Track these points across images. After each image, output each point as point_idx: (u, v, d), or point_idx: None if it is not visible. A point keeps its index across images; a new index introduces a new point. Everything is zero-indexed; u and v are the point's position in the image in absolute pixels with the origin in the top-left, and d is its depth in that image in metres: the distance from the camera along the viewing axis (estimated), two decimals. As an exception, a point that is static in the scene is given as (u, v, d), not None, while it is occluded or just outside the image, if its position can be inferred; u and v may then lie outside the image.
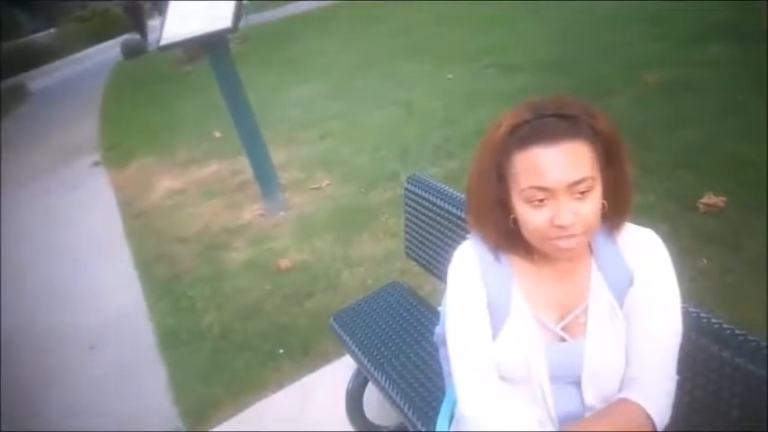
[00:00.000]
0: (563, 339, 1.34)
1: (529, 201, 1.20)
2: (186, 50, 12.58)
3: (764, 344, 1.28)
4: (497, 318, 1.34)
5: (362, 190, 4.86)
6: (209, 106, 8.56)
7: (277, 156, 5.47)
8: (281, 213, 4.87)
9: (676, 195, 3.53)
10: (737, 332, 1.34)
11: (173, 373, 3.34)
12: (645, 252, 1.32)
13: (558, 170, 1.16)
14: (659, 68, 5.42)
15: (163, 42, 4.41)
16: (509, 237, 1.30)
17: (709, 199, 3.33)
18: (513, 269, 1.35)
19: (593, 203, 1.19)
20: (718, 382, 1.35)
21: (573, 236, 1.19)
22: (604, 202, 1.22)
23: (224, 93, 4.62)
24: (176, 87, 11.01)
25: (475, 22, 9.34)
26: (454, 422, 1.58)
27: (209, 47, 4.51)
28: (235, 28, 4.21)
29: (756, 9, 5.64)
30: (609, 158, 1.21)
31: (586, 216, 1.18)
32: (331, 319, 2.55)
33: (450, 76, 7.17)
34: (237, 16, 4.21)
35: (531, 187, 1.18)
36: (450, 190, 2.35)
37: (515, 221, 1.26)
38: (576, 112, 1.19)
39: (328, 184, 5.17)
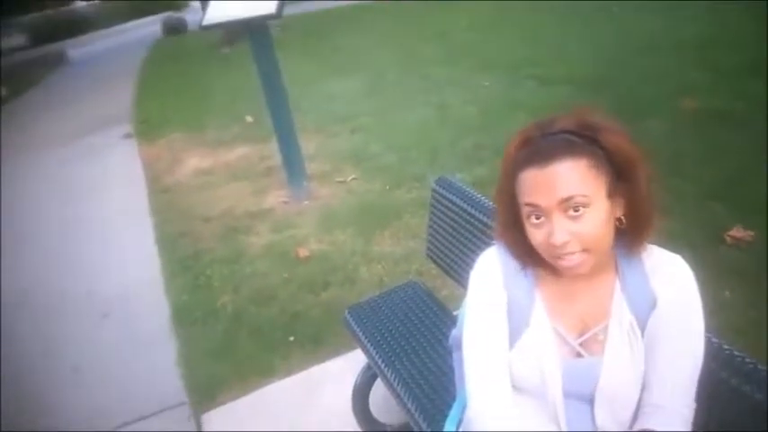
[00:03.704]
0: (580, 355, 1.33)
1: (528, 218, 1.23)
2: (226, 33, 12.69)
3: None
4: (517, 326, 1.34)
5: (387, 187, 4.86)
6: (242, 90, 8.65)
7: (306, 146, 5.50)
8: (305, 202, 4.89)
9: (704, 225, 3.48)
10: (760, 367, 1.32)
11: (183, 348, 3.36)
12: (671, 276, 1.31)
13: (548, 188, 1.17)
14: (698, 97, 5.35)
15: (205, 22, 4.44)
16: (530, 251, 1.30)
17: (738, 232, 3.29)
18: (537, 280, 1.35)
19: (591, 221, 1.18)
20: (737, 415, 1.33)
21: (572, 254, 1.20)
22: (622, 218, 1.23)
23: (261, 77, 4.65)
24: (212, 69, 11.10)
25: (516, 32, 9.30)
26: (462, 426, 1.57)
27: (251, 31, 4.54)
28: (278, 14, 4.23)
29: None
30: (621, 173, 1.21)
31: (582, 234, 1.18)
32: (346, 312, 2.54)
33: (486, 83, 7.14)
34: (281, 3, 4.24)
35: (526, 205, 1.21)
36: (478, 195, 2.34)
37: None
38: (577, 128, 1.20)
39: (354, 179, 5.17)
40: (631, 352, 1.30)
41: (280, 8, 4.22)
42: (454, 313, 2.45)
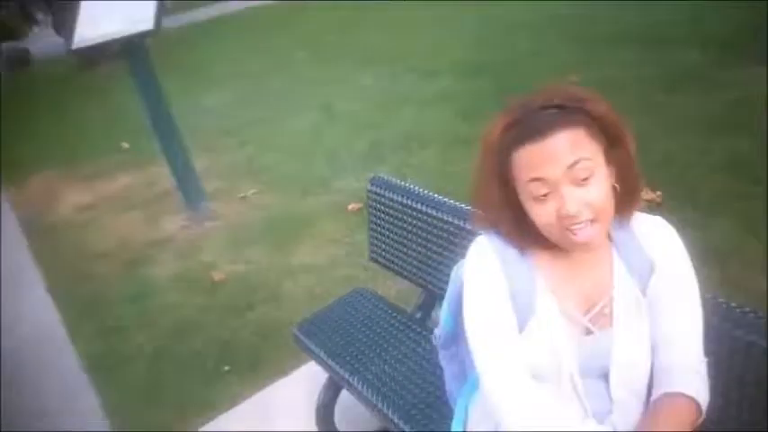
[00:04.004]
0: (590, 332, 1.29)
1: (533, 197, 1.18)
2: (80, 57, 11.92)
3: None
4: (523, 312, 1.29)
5: (293, 197, 4.70)
6: (110, 116, 8.16)
7: (196, 164, 5.22)
8: (207, 224, 4.64)
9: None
10: (759, 315, 1.35)
11: (107, 397, 3.06)
12: (662, 239, 1.32)
13: (552, 159, 1.14)
14: (578, 71, 5.59)
15: (77, 45, 4.09)
16: (526, 233, 1.27)
17: (647, 194, 3.42)
18: (537, 263, 1.30)
19: (598, 188, 1.16)
20: (743, 364, 1.34)
21: (586, 224, 1.16)
22: (616, 185, 1.20)
23: (143, 98, 4.36)
24: (74, 97, 10.33)
25: (383, 27, 9.35)
26: (474, 419, 1.49)
27: (128, 50, 4.23)
28: (157, 30, 3.98)
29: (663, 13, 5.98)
30: (611, 139, 1.20)
31: (593, 201, 1.15)
32: (294, 329, 2.40)
33: (367, 81, 7.12)
34: (159, 18, 3.99)
35: (530, 180, 1.17)
36: (416, 188, 2.29)
37: (532, 221, 1.23)
38: (565, 101, 1.18)
39: (255, 193, 4.97)
40: (639, 320, 1.29)
41: (157, 23, 3.97)
42: (408, 311, 2.38)
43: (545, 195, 1.16)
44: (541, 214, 1.18)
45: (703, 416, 1.24)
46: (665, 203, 3.34)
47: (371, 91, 6.74)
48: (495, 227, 1.31)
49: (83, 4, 4.22)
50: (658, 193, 3.42)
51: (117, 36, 4.12)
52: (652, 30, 6.20)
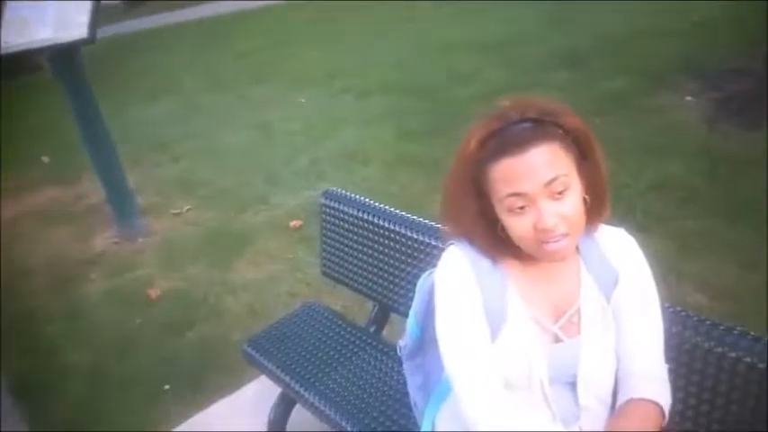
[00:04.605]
0: (559, 340, 1.33)
1: (510, 209, 1.21)
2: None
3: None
4: (495, 321, 1.32)
5: (231, 213, 4.63)
6: (26, 130, 7.78)
7: (128, 179, 5.06)
8: (140, 240, 4.49)
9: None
10: (716, 323, 1.41)
11: (36, 424, 2.89)
12: (625, 250, 1.38)
13: (530, 174, 1.17)
14: (510, 93, 5.75)
15: (4, 49, 3.91)
16: (499, 244, 1.30)
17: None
18: (507, 272, 1.33)
19: (572, 202, 1.20)
20: (715, 377, 1.41)
21: (560, 237, 1.20)
22: (586, 197, 1.24)
23: (75, 109, 4.17)
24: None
25: (316, 45, 9.34)
26: (443, 421, 1.51)
27: (60, 58, 4.06)
28: (92, 39, 3.85)
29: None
30: (582, 153, 1.24)
31: (568, 215, 1.19)
32: (245, 346, 2.36)
33: (302, 99, 7.10)
34: (94, 25, 3.85)
35: (508, 195, 1.19)
36: (370, 201, 2.30)
37: (503, 230, 1.26)
38: (540, 115, 1.21)
39: (190, 209, 4.86)
40: (605, 329, 1.34)
41: (93, 31, 3.84)
42: (362, 325, 2.39)
43: (522, 208, 1.19)
44: (518, 227, 1.21)
45: (666, 418, 1.29)
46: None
47: (308, 110, 6.73)
48: (467, 237, 1.33)
49: (8, 5, 4.05)
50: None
51: (47, 44, 3.95)
52: (580, 55, 6.46)
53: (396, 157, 4.95)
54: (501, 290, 1.31)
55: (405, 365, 1.64)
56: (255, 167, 5.38)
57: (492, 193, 1.22)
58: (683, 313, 1.46)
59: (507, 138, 1.19)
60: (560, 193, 1.17)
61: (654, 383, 1.31)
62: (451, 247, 1.37)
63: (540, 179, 1.16)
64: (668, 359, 1.35)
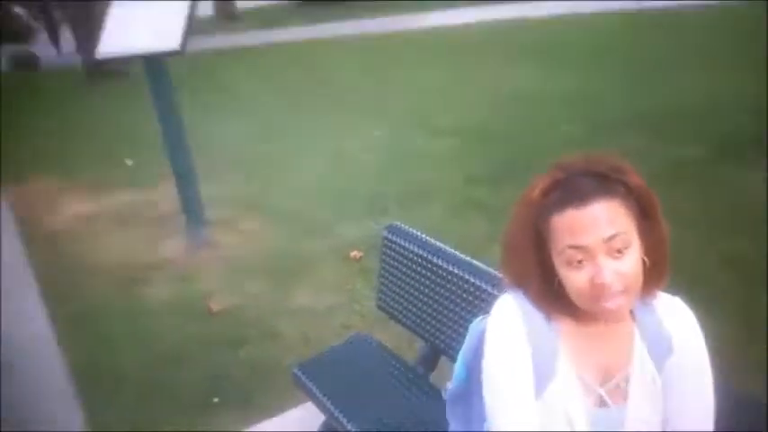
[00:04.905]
0: (604, 404, 1.31)
1: (568, 262, 1.20)
2: (89, 72, 12.03)
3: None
4: (541, 377, 1.30)
5: (295, 237, 4.74)
6: (115, 132, 8.21)
7: (202, 192, 5.25)
8: (206, 252, 4.64)
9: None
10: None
11: (90, 416, 3.01)
12: (681, 321, 1.35)
13: (592, 228, 1.17)
14: (580, 150, 5.71)
15: (102, 54, 4.15)
16: (554, 299, 1.29)
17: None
18: (560, 328, 1.33)
19: (632, 260, 1.19)
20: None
21: (616, 295, 1.19)
22: (645, 259, 1.23)
23: (159, 116, 4.40)
24: (79, 108, 10.37)
25: (395, 82, 9.53)
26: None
27: (150, 68, 4.29)
28: (182, 51, 4.04)
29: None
30: (644, 213, 1.23)
31: (627, 273, 1.18)
32: (295, 370, 2.41)
33: (377, 132, 7.24)
34: (185, 38, 4.05)
35: (568, 247, 1.19)
36: (433, 240, 2.33)
37: (560, 284, 1.25)
38: (606, 170, 1.21)
39: (257, 228, 4.99)
40: (653, 399, 1.31)
41: (183, 44, 4.03)
42: (410, 364, 2.40)
43: (580, 262, 1.18)
44: (575, 280, 1.20)
45: None
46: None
47: (381, 143, 6.85)
48: (523, 288, 1.33)
49: (109, 15, 4.32)
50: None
51: (141, 52, 4.19)
52: (656, 118, 6.38)
53: (461, 199, 4.98)
54: (551, 346, 1.30)
55: (448, 409, 1.64)
56: (324, 194, 5.50)
57: (552, 244, 1.22)
58: (736, 391, 1.42)
59: (571, 189, 1.20)
60: (620, 251, 1.17)
61: None
62: (505, 296, 1.37)
63: (601, 234, 1.16)
64: None
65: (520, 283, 1.34)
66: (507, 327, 1.33)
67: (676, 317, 1.34)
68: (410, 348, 3.00)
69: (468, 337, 1.53)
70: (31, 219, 5.66)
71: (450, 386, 1.60)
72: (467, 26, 13.31)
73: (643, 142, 5.76)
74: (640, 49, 9.52)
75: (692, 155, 5.43)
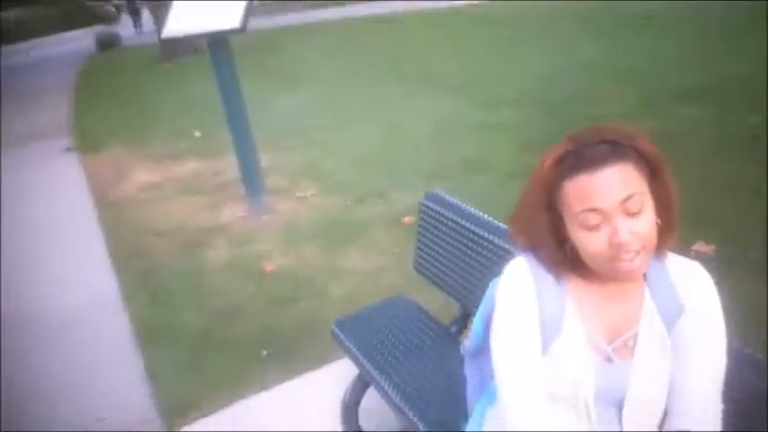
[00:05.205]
0: (611, 360, 1.35)
1: (584, 226, 1.23)
2: (166, 49, 12.47)
3: None
4: (549, 333, 1.34)
5: (349, 203, 4.86)
6: (187, 105, 8.50)
7: (261, 161, 5.43)
8: (264, 217, 4.82)
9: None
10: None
11: (150, 365, 3.23)
12: (696, 283, 1.36)
13: (607, 191, 1.20)
14: (637, 119, 5.60)
15: (165, 34, 4.35)
16: (565, 261, 1.33)
17: (701, 246, 3.42)
18: (569, 288, 1.37)
19: (646, 220, 1.22)
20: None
21: (633, 255, 1.22)
22: (658, 220, 1.26)
23: (221, 90, 4.59)
24: (153, 84, 10.86)
25: (454, 52, 9.47)
26: (489, 427, 1.57)
27: (213, 45, 4.47)
28: (243, 28, 4.19)
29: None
30: (654, 175, 1.26)
31: (642, 232, 1.21)
32: (333, 325, 2.52)
33: (434, 102, 7.25)
34: (246, 17, 4.20)
35: (584, 211, 1.22)
36: (470, 208, 2.38)
37: (573, 249, 1.29)
38: (616, 137, 1.24)
39: (314, 195, 5.14)
40: (661, 358, 1.33)
41: (244, 22, 4.18)
42: (446, 324, 2.48)
43: (597, 225, 1.22)
44: (591, 243, 1.23)
45: None
46: (716, 260, 3.34)
47: (438, 113, 6.87)
48: (534, 250, 1.37)
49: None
50: (712, 246, 3.43)
51: (204, 31, 4.37)
52: (714, 90, 6.16)
53: (515, 167, 4.97)
54: (559, 305, 1.35)
55: (466, 364, 1.70)
56: (380, 162, 5.59)
57: (565, 210, 1.26)
58: (749, 355, 1.43)
59: (583, 156, 1.23)
60: (635, 212, 1.20)
61: (701, 421, 1.29)
62: (517, 258, 1.42)
63: (616, 196, 1.19)
64: (728, 399, 1.32)
65: (532, 247, 1.38)
66: (516, 285, 1.39)
67: (691, 279, 1.36)
68: (452, 311, 3.08)
69: (485, 299, 1.58)
70: (104, 185, 5.98)
71: (468, 342, 1.67)
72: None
73: (700, 113, 5.59)
74: (697, 19, 9.15)
75: (753, 122, 5.24)
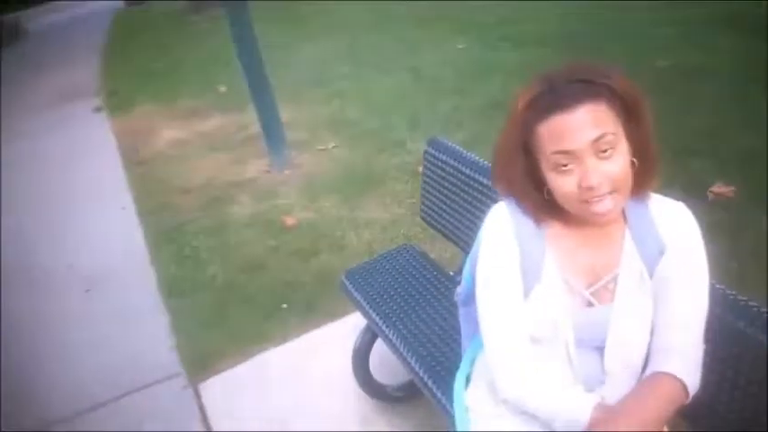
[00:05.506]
0: (591, 304, 1.36)
1: (556, 168, 1.23)
2: (192, 2, 12.42)
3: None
4: (529, 279, 1.36)
5: (369, 154, 4.86)
6: (213, 60, 8.51)
7: (283, 114, 5.43)
8: (287, 171, 4.87)
9: (686, 182, 3.51)
10: (762, 310, 1.37)
11: (174, 319, 3.36)
12: (677, 223, 1.35)
13: (577, 132, 1.18)
14: (670, 53, 5.41)
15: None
16: (544, 206, 1.33)
17: (719, 188, 3.34)
18: (548, 232, 1.37)
19: (619, 161, 1.21)
20: (740, 356, 1.39)
21: (605, 197, 1.21)
22: (634, 160, 1.25)
23: (237, 44, 4.59)
24: (180, 39, 10.85)
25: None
26: (473, 378, 1.61)
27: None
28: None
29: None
30: (630, 114, 1.24)
31: (613, 174, 1.20)
32: (342, 276, 2.57)
33: (460, 45, 7.11)
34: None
35: (555, 152, 1.21)
36: (471, 155, 2.36)
37: (549, 192, 1.29)
38: (589, 76, 1.21)
39: (335, 147, 5.15)
40: (641, 299, 1.34)
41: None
42: (451, 273, 2.50)
43: (567, 166, 1.21)
44: (563, 185, 1.23)
45: (689, 398, 1.29)
46: (738, 200, 3.27)
47: (462, 56, 6.75)
48: (514, 196, 1.38)
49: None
50: (732, 188, 3.34)
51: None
52: (749, 16, 5.89)
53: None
54: (539, 250, 1.35)
55: (460, 312, 1.73)
56: (401, 111, 5.55)
57: (539, 152, 1.25)
58: (731, 296, 1.42)
59: (555, 97, 1.21)
60: (606, 151, 1.19)
61: (683, 361, 1.29)
62: (498, 204, 1.42)
63: (587, 137, 1.18)
64: (708, 340, 1.32)
65: (511, 191, 1.38)
66: (497, 233, 1.40)
67: (673, 219, 1.35)
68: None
69: (474, 245, 1.60)
70: (133, 146, 6.09)
71: (459, 290, 1.69)
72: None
73: (736, 41, 5.37)
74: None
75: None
